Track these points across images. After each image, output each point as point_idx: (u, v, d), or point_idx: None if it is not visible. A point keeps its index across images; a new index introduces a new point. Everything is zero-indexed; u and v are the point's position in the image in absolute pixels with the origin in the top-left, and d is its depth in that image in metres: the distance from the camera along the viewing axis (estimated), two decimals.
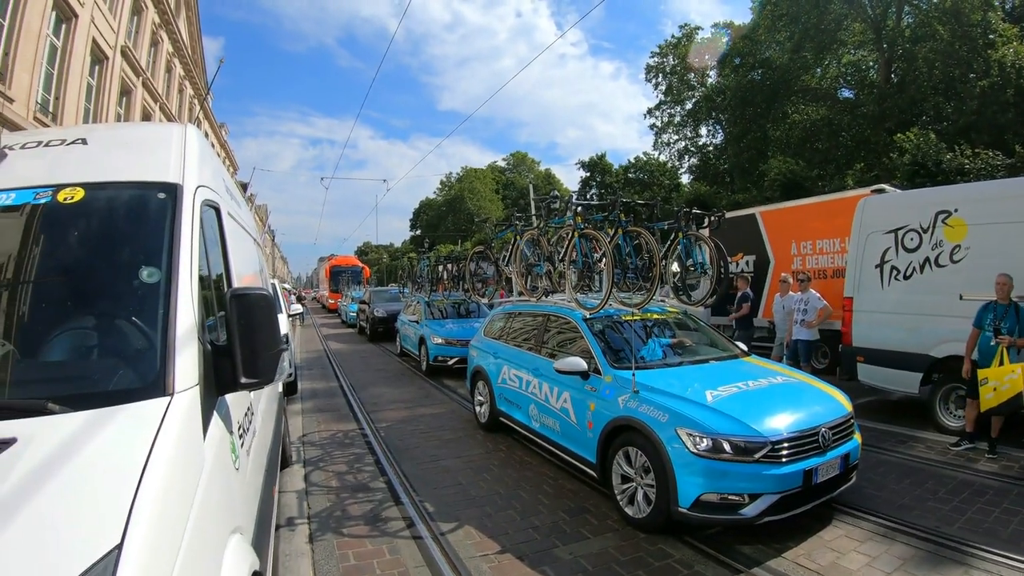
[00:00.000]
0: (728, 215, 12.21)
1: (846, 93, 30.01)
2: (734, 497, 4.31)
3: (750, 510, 4.29)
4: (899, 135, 17.73)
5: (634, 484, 4.90)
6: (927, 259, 7.42)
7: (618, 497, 5.01)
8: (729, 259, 11.59)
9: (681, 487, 4.39)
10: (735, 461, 4.29)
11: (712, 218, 6.92)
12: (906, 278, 7.60)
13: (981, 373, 6.19)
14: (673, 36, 37.57)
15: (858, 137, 26.12)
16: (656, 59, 36.87)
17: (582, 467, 5.67)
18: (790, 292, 9.72)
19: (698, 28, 36.37)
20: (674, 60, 36.26)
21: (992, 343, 6.23)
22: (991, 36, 23.58)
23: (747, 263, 12.29)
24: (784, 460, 4.37)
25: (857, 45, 29.54)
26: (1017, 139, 17.77)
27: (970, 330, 6.52)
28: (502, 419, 7.45)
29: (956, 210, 7.23)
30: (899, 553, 4.28)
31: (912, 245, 7.60)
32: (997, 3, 24.97)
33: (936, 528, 4.68)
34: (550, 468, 6.30)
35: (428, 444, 7.35)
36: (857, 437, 5.13)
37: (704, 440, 4.35)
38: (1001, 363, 6.06)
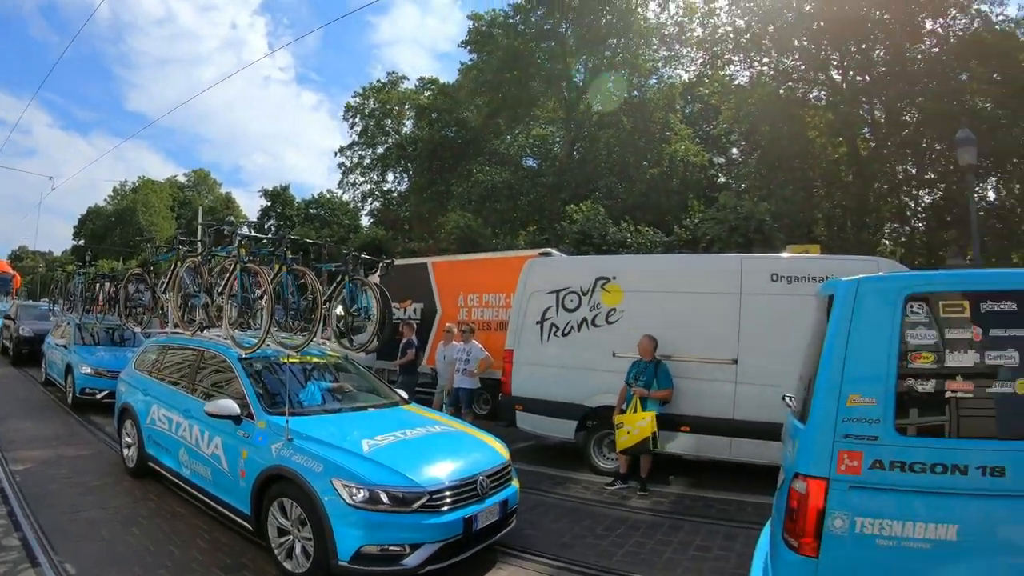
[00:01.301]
0: (401, 262, 12.51)
1: (530, 162, 33.92)
2: (395, 548, 4.49)
3: (412, 560, 4.50)
4: (571, 206, 20.32)
5: (291, 537, 4.87)
6: (585, 319, 8.60)
7: (276, 551, 4.95)
8: (397, 305, 11.64)
9: (340, 540, 4.46)
10: (393, 512, 4.50)
11: (382, 265, 7.46)
12: (564, 335, 8.69)
13: (617, 419, 7.52)
14: (379, 80, 40.70)
15: (535, 203, 29.41)
16: (358, 99, 39.48)
17: (237, 519, 5.49)
18: (453, 342, 10.47)
19: (404, 78, 39.65)
20: (375, 104, 38.83)
21: (629, 392, 7.61)
22: (668, 133, 29.19)
23: (415, 310, 13.22)
24: (443, 509, 4.66)
25: (548, 121, 33.95)
26: (676, 221, 20.91)
27: (621, 384, 7.79)
28: (151, 464, 7.06)
29: (614, 277, 8.56)
30: None
31: (572, 306, 8.73)
32: (679, 107, 31.13)
33: (596, 562, 5.34)
34: (204, 520, 6.08)
35: (71, 491, 6.86)
36: (515, 483, 5.61)
37: (361, 491, 4.49)
38: (635, 411, 7.42)
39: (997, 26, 23.97)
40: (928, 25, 24.36)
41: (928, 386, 2.97)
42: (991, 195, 25.37)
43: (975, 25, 23.88)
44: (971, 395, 2.93)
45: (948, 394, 2.94)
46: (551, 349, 8.77)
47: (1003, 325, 2.97)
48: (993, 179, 24.90)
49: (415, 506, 4.51)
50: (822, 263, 8.30)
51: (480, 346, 10.35)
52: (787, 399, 4.02)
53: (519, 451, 8.63)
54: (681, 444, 7.97)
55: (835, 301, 3.17)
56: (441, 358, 10.65)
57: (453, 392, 10.21)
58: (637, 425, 7.32)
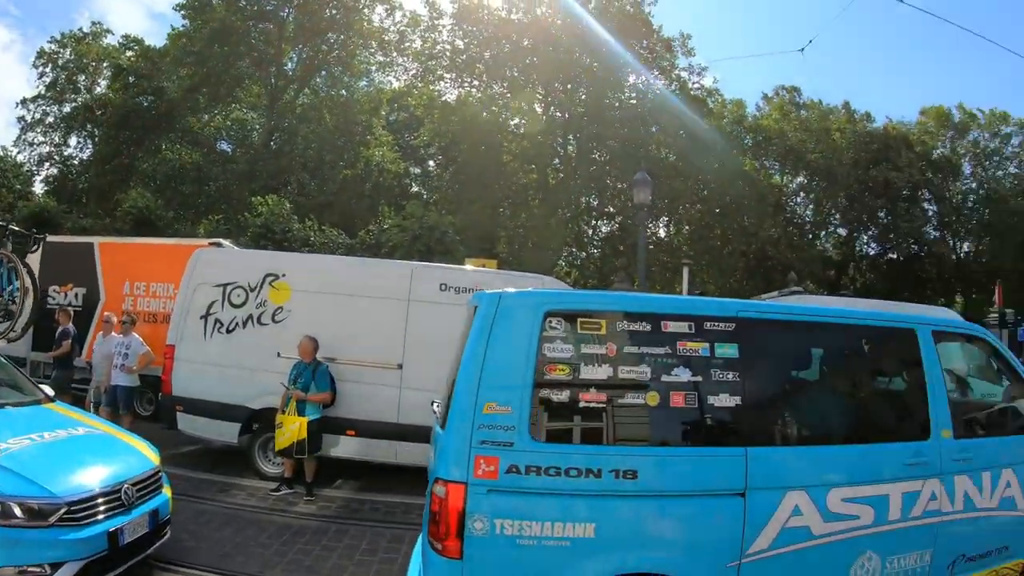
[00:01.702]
0: (61, 239, 11.65)
1: (224, 146, 32.50)
2: (34, 569, 4.07)
3: None
4: (258, 198, 19.66)
5: None
6: (251, 316, 8.34)
7: None
8: (57, 289, 10.98)
9: None
10: (29, 527, 4.08)
11: (33, 240, 6.87)
12: (229, 332, 8.36)
13: (279, 418, 7.38)
14: (81, 29, 36.26)
15: (224, 190, 28.24)
16: (53, 46, 34.93)
17: None
18: (113, 333, 9.69)
19: (109, 31, 35.63)
20: (71, 54, 34.60)
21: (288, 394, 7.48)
22: (368, 136, 29.30)
23: (76, 296, 12.03)
24: (85, 522, 4.28)
25: (251, 106, 32.40)
26: (364, 225, 21.28)
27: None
28: None
29: (284, 275, 8.38)
30: None
31: (238, 301, 8.41)
32: (384, 113, 31.39)
33: (260, 572, 5.20)
34: None
35: None
36: (166, 491, 5.28)
37: None
38: (293, 413, 7.36)
39: (692, 91, 28.57)
40: (632, 79, 27.91)
41: (563, 396, 3.26)
42: (662, 232, 29.98)
43: (673, 87, 28.05)
44: (604, 405, 3.27)
45: (582, 404, 3.25)
46: (214, 346, 8.45)
47: (636, 343, 3.36)
48: (665, 218, 29.52)
49: (52, 519, 4.13)
50: (490, 276, 8.90)
51: (140, 339, 9.64)
52: (434, 405, 4.23)
53: (183, 456, 8.31)
54: (347, 448, 8.06)
55: (477, 312, 3.37)
56: (97, 351, 9.78)
57: (110, 390, 9.36)
58: (289, 428, 7.34)
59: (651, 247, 26.99)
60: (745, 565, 3.29)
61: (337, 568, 5.46)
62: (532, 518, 3.07)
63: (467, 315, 3.98)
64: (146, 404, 11.08)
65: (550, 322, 3.26)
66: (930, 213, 34.55)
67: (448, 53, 28.47)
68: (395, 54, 30.79)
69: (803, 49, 31.00)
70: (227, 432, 8.22)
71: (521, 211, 26.61)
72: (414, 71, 30.31)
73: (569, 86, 27.15)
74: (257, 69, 29.45)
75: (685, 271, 16.37)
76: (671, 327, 3.43)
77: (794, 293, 8.14)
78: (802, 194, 33.90)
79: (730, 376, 3.46)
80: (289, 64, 30.04)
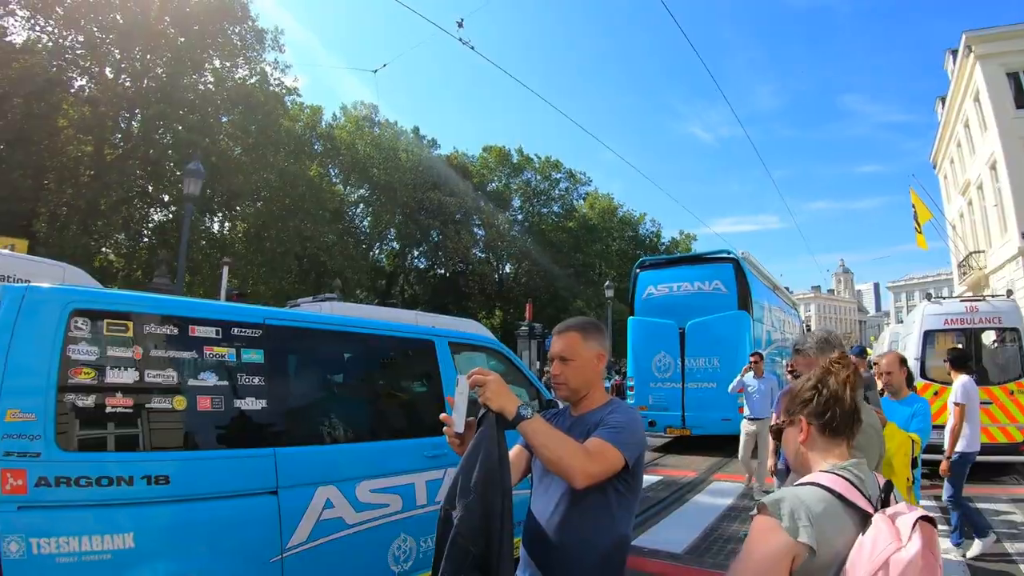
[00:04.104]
0: None
1: None
2: None
3: None
4: None
5: None
6: None
7: None
8: None
9: None
10: None
11: None
12: None
13: None
14: None
15: None
16: None
17: None
18: None
19: None
20: None
21: None
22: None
23: None
24: None
25: None
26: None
27: None
28: None
29: None
30: None
31: None
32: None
33: None
34: None
35: None
36: None
37: None
38: None
39: (271, 87, 29.91)
40: (216, 63, 28.63)
41: (90, 401, 3.39)
42: (216, 227, 31.08)
43: (253, 79, 29.27)
44: (133, 410, 3.50)
45: (110, 409, 3.43)
46: None
47: (164, 347, 3.65)
48: (221, 214, 30.85)
49: None
50: (4, 261, 8.47)
51: None
52: None
53: None
54: None
55: (0, 308, 3.28)
56: None
57: None
58: None
59: (203, 242, 28.40)
60: (287, 559, 3.79)
61: None
62: (69, 533, 3.19)
63: None
64: None
65: (76, 321, 3.39)
66: (479, 236, 41.71)
67: None
68: None
69: (376, 71, 35.31)
70: None
71: (69, 187, 25.82)
72: None
73: (148, 56, 26.98)
74: None
75: (224, 269, 17.98)
76: (199, 331, 3.79)
77: (328, 299, 8.96)
78: (362, 206, 38.24)
79: (256, 380, 3.92)
80: None
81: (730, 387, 10.69)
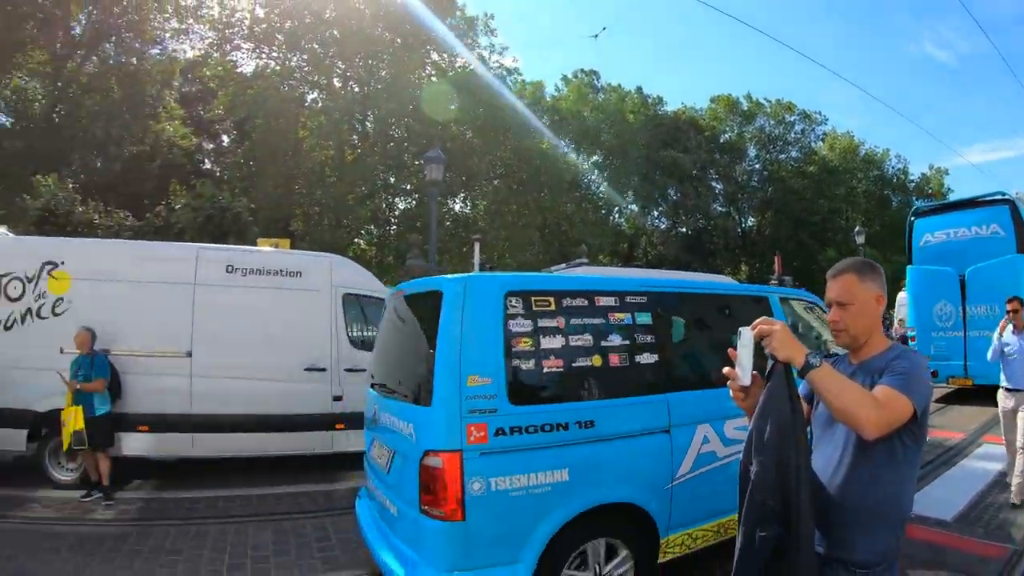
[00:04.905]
0: None
1: (1, 118, 29.68)
2: None
3: None
4: (39, 177, 18.88)
5: None
6: (29, 310, 7.92)
7: None
8: None
9: None
10: None
11: None
12: (7, 328, 7.91)
13: (63, 416, 7.12)
14: None
15: (3, 170, 25.78)
16: None
17: None
18: None
19: None
20: None
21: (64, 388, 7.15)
22: (159, 109, 28.26)
23: None
24: None
25: (32, 74, 29.35)
26: (152, 206, 20.76)
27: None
28: None
29: (63, 262, 8.01)
30: None
31: (15, 294, 7.96)
32: (175, 84, 30.25)
33: None
34: None
35: None
36: None
37: None
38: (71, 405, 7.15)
39: (491, 71, 29.80)
40: (434, 56, 28.96)
41: (530, 364, 3.82)
42: (458, 207, 31.52)
43: (473, 66, 29.20)
44: (562, 369, 3.90)
45: (545, 370, 3.86)
46: None
47: (579, 316, 4.06)
48: (462, 194, 31.02)
49: None
50: (276, 257, 8.91)
51: None
52: (373, 390, 4.85)
53: None
54: (142, 445, 7.88)
55: (444, 298, 3.80)
56: None
57: None
58: (67, 420, 7.20)
59: (447, 223, 28.49)
60: (675, 487, 4.21)
61: (144, 573, 5.41)
62: (519, 472, 3.67)
63: (397, 301, 4.81)
64: None
65: (510, 301, 3.85)
66: (717, 191, 39.15)
67: (246, 22, 28.19)
68: (191, 21, 29.73)
69: (596, 36, 35.36)
70: (13, 440, 7.85)
71: (317, 188, 26.87)
72: (210, 39, 29.72)
73: (370, 62, 27.79)
74: (42, 32, 27.50)
75: (476, 246, 17.53)
76: (602, 301, 4.21)
77: (580, 265, 8.29)
78: (597, 172, 36.57)
79: (648, 338, 4.31)
80: (77, 27, 28.29)
81: (989, 354, 7.53)
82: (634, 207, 38.33)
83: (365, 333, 9.12)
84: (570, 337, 4.01)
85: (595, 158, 36.81)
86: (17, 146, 26.86)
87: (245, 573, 5.43)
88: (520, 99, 32.44)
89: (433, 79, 28.48)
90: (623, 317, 4.28)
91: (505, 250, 29.93)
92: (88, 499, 7.27)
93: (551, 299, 4.04)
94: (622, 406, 4.14)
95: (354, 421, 7.77)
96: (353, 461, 7.78)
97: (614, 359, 4.16)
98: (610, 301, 4.27)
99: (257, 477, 8.33)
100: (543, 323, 3.95)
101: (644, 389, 4.28)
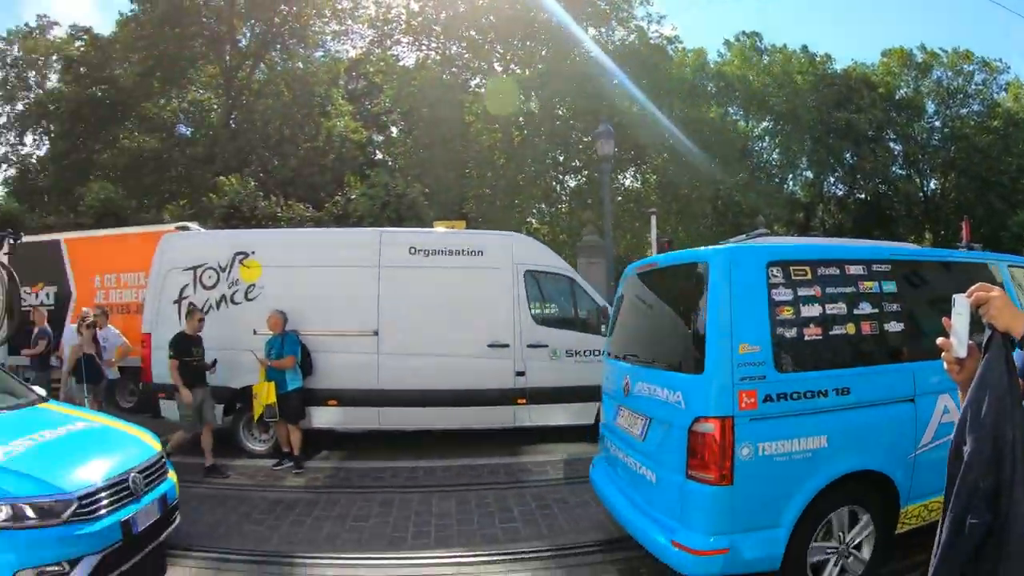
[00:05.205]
0: (32, 239, 11.30)
1: (183, 129, 32.22)
2: (52, 568, 4.10)
3: None
4: (222, 178, 19.85)
5: None
6: (224, 296, 8.50)
7: None
8: (28, 289, 10.62)
9: None
10: (43, 526, 4.11)
11: (10, 240, 6.88)
12: (204, 314, 8.35)
13: (254, 389, 7.70)
14: (27, 24, 35.09)
15: (185, 174, 28.46)
16: (0, 44, 33.77)
17: None
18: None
19: (55, 23, 34.51)
20: (19, 51, 33.92)
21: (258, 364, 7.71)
22: (328, 107, 29.67)
23: (47, 295, 12.05)
24: (98, 515, 4.31)
25: (206, 86, 31.99)
26: (329, 197, 21.53)
27: None
28: None
29: (253, 252, 8.54)
30: None
31: (210, 283, 8.56)
32: (341, 83, 31.80)
33: (255, 548, 5.40)
34: None
35: None
36: (171, 476, 5.34)
37: (2, 509, 4.05)
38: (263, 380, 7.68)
39: (652, 41, 29.21)
40: (591, 32, 28.25)
41: (792, 332, 3.89)
42: (629, 182, 30.74)
43: (631, 38, 28.76)
44: (821, 336, 3.95)
45: (807, 337, 3.91)
46: None
47: (833, 284, 4.06)
48: (632, 169, 30.23)
49: (65, 516, 4.17)
50: (457, 237, 9.32)
51: (117, 331, 9.81)
52: (618, 362, 4.96)
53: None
54: (330, 418, 8.39)
55: (711, 269, 3.91)
56: (68, 343, 9.58)
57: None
58: (259, 394, 7.71)
59: (619, 198, 27.72)
60: (917, 457, 4.15)
61: (331, 536, 5.68)
62: (783, 438, 3.74)
63: (636, 279, 5.10)
64: (128, 396, 11.24)
65: (772, 271, 3.90)
66: (896, 152, 35.99)
67: (403, 17, 28.83)
68: (349, 22, 31.03)
69: None
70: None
71: (487, 171, 27.14)
72: (370, 37, 30.75)
73: (528, 43, 27.71)
74: (211, 48, 29.46)
75: (653, 219, 16.84)
76: (852, 270, 4.20)
77: (760, 235, 8.68)
78: (767, 139, 34.86)
79: (894, 307, 4.25)
80: (243, 40, 30.08)
81: None
82: (808, 174, 36.06)
83: (546, 309, 9.21)
84: (826, 306, 4.02)
85: (765, 124, 34.88)
86: (199, 152, 28.78)
87: (428, 540, 5.59)
88: (683, 67, 31.33)
89: (592, 56, 27.48)
90: (871, 286, 4.23)
91: (678, 223, 28.75)
92: (279, 467, 7.80)
93: (807, 268, 4.06)
94: (874, 374, 4.13)
95: (536, 396, 8.36)
96: (530, 435, 8.58)
97: (865, 327, 4.14)
98: (859, 270, 4.24)
99: (439, 450, 8.54)
100: (802, 292, 3.97)
101: (892, 357, 4.26)
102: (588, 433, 7.82)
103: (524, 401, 8.42)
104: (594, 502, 5.82)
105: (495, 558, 5.12)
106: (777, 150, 34.44)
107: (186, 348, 7.60)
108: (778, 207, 31.75)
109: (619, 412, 4.95)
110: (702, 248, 4.41)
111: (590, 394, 8.04)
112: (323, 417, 8.36)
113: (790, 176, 36.08)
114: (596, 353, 8.14)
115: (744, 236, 8.80)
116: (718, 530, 3.71)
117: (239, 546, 5.47)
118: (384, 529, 5.83)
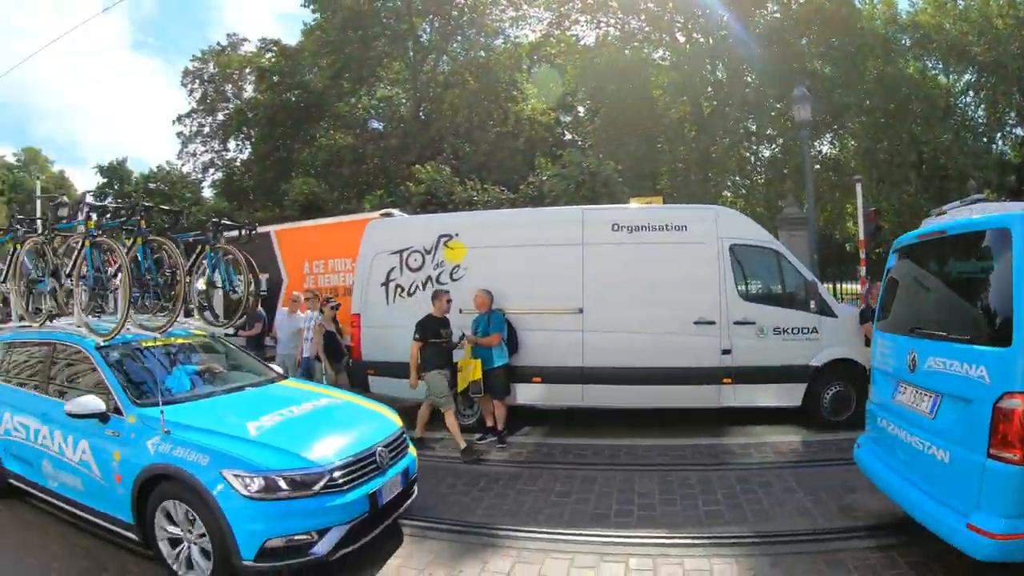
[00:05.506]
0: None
1: (375, 124, 33.76)
2: (302, 537, 4.27)
3: (322, 547, 4.31)
4: (417, 167, 20.44)
5: (185, 544, 4.48)
6: (429, 277, 8.85)
7: (173, 565, 4.54)
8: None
9: (240, 537, 4.16)
10: (294, 498, 4.27)
11: (243, 231, 7.33)
12: (410, 295, 8.91)
13: (460, 364, 7.90)
14: (219, 43, 38.59)
15: (381, 166, 29.95)
16: (197, 64, 37.51)
17: (121, 531, 4.96)
18: (298, 312, 10.24)
19: (245, 39, 37.50)
20: (214, 68, 37.04)
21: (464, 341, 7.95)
22: (514, 93, 30.34)
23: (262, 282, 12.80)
24: (346, 487, 4.48)
25: (393, 82, 33.81)
26: (523, 179, 21.64)
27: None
28: (13, 482, 6.16)
29: (457, 234, 8.83)
30: (432, 548, 5.03)
31: (416, 265, 8.95)
32: (524, 68, 32.46)
33: (459, 518, 5.62)
34: (90, 540, 5.35)
35: None
36: (412, 451, 5.54)
37: (255, 480, 4.21)
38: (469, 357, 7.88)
39: None
40: None
41: None
42: (826, 149, 29.11)
43: None
44: None
45: None
46: (398, 311, 8.87)
47: None
48: (828, 135, 28.56)
49: (316, 488, 4.36)
50: (660, 212, 9.25)
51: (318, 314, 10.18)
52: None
53: None
54: (534, 394, 8.53)
55: (1015, 234, 3.62)
56: (285, 327, 10.38)
57: (303, 362, 9.96)
58: (466, 370, 7.93)
59: (816, 167, 26.04)
60: None
61: (533, 511, 5.76)
62: None
63: (908, 252, 5.01)
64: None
65: None
66: None
67: None
68: (525, 7, 31.33)
69: None
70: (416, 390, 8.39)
71: (679, 144, 26.63)
72: (548, 19, 31.08)
73: (708, 10, 26.78)
74: (394, 46, 30.81)
75: (858, 187, 16.11)
76: None
77: (977, 202, 8.36)
78: (971, 94, 31.53)
79: None
80: (423, 36, 31.18)
81: None
82: (1019, 131, 32.06)
83: (752, 285, 8.93)
84: None
85: (967, 77, 31.50)
86: (393, 144, 29.80)
87: (631, 519, 5.55)
88: (873, 20, 29.16)
89: (776, 15, 26.62)
90: None
91: (879, 191, 26.89)
92: (483, 441, 7.92)
93: None
94: None
95: (742, 376, 8.08)
96: (734, 416, 8.32)
97: None
98: None
99: (641, 429, 8.43)
100: None
101: None
102: (790, 416, 8.00)
103: (730, 381, 8.23)
104: (798, 488, 5.91)
105: (697, 542, 5.04)
106: (983, 106, 31.26)
107: (434, 330, 7.88)
108: (987, 170, 28.52)
109: (900, 389, 4.70)
110: (1000, 212, 4.14)
111: (796, 375, 8.07)
112: (527, 394, 8.54)
113: (998, 135, 32.33)
114: (804, 331, 8.14)
115: (959, 203, 8.19)
116: (1021, 513, 3.47)
117: (444, 515, 5.74)
118: (586, 506, 5.88)
